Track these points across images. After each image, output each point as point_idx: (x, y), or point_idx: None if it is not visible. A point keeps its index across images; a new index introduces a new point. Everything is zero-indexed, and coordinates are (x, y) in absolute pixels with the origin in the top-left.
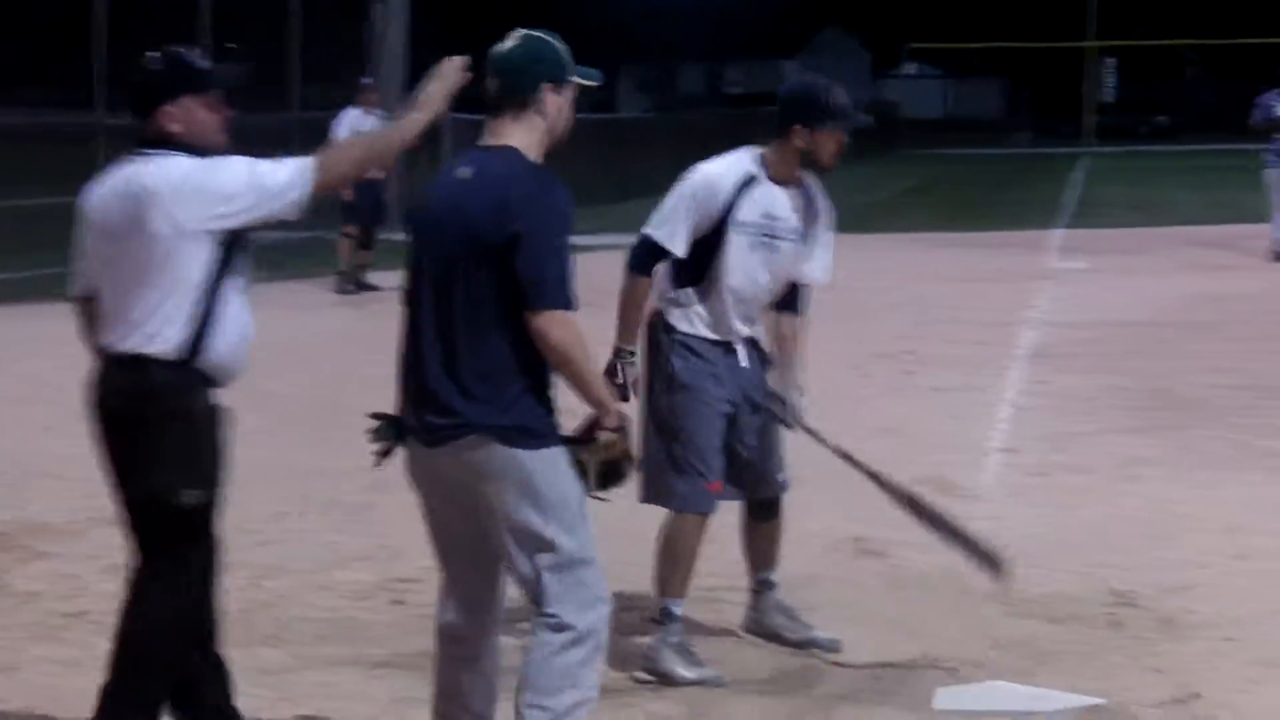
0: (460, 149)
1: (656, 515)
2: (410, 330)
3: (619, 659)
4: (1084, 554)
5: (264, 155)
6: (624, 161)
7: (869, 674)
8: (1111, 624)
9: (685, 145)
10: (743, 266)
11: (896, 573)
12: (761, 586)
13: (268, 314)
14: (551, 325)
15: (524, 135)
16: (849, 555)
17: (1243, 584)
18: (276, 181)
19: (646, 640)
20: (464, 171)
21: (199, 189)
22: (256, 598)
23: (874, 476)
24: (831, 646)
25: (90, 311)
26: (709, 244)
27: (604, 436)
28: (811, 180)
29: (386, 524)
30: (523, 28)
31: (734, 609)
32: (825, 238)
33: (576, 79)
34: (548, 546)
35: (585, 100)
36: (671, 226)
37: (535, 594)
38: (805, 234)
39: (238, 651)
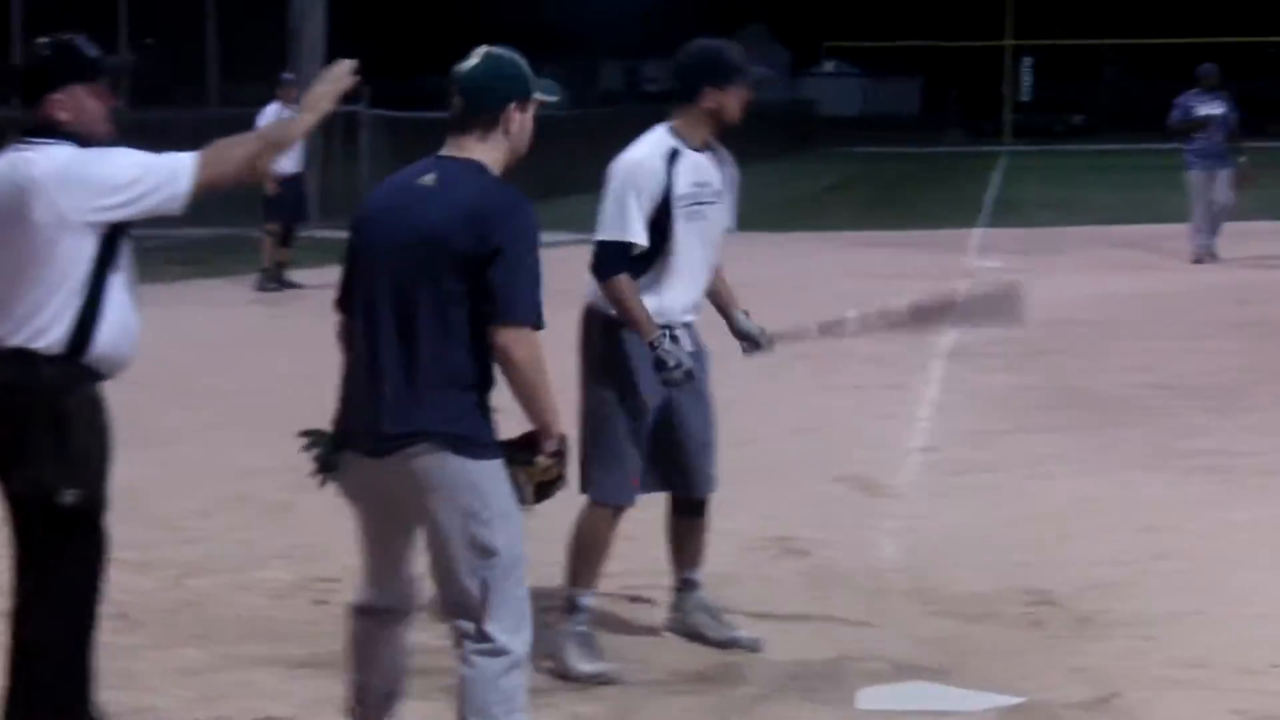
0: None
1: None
2: (358, 337)
3: (538, 657)
4: (1003, 553)
5: (180, 151)
6: (544, 159)
7: (790, 673)
8: (1030, 623)
9: (605, 142)
10: (682, 242)
11: (817, 572)
12: (685, 585)
13: (190, 312)
14: (519, 342)
15: (488, 152)
16: (770, 555)
17: (1161, 583)
18: (161, 175)
19: (552, 630)
20: (426, 179)
21: (83, 179)
22: (180, 596)
23: (865, 323)
24: (753, 646)
25: None
26: (653, 229)
27: (542, 460)
28: (713, 140)
29: (308, 523)
30: (444, 24)
31: (656, 608)
32: (733, 186)
33: (538, 96)
34: (491, 555)
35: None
36: (625, 220)
37: (474, 606)
38: (725, 192)
39: (160, 652)
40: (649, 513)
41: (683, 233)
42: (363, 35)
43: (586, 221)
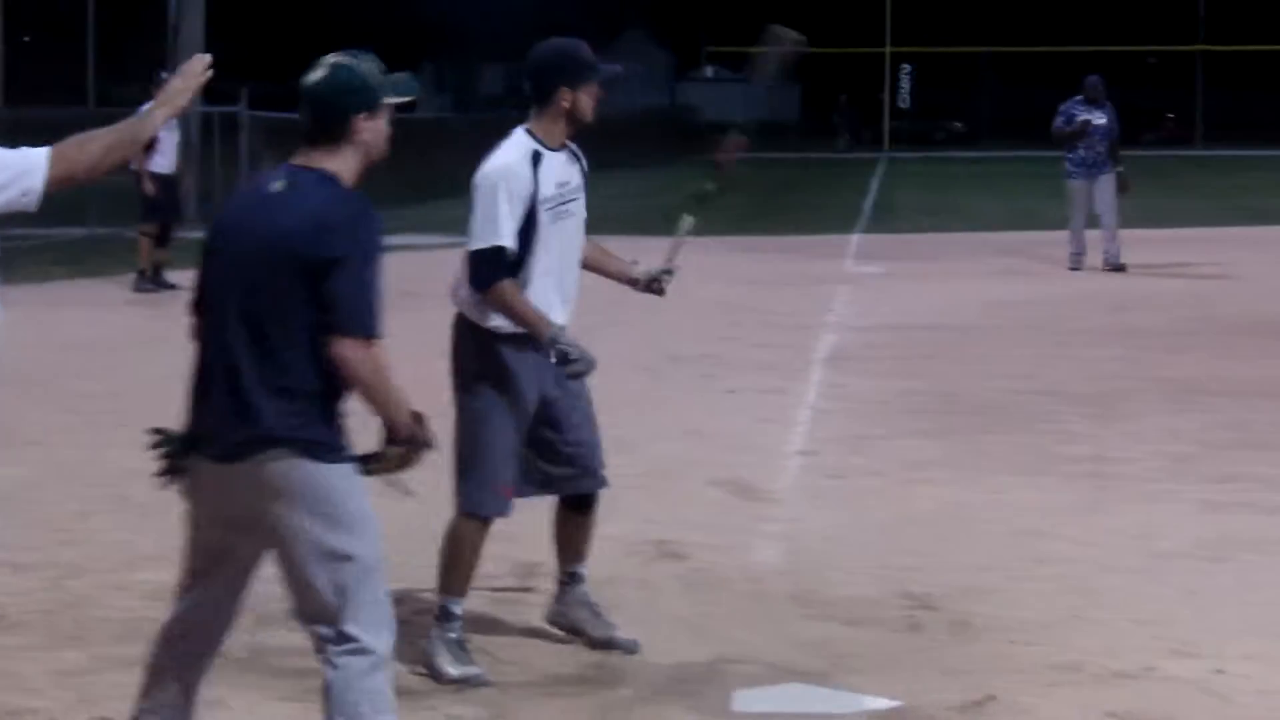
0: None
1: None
2: (206, 342)
3: (416, 660)
4: (881, 556)
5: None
6: (422, 162)
7: (669, 676)
8: (908, 626)
9: (484, 146)
10: (551, 243)
11: (695, 575)
12: (569, 579)
13: (67, 313)
14: (358, 353)
15: (339, 162)
16: (648, 558)
17: (1037, 587)
18: (13, 171)
19: (427, 636)
20: (276, 185)
21: None
22: (59, 598)
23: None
24: (630, 648)
25: None
26: (522, 233)
27: (391, 450)
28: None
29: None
30: (324, 25)
31: (535, 610)
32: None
33: (390, 100)
34: (346, 559)
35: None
36: (497, 226)
37: (332, 611)
38: (583, 188)
39: (39, 653)
40: (527, 515)
41: (550, 233)
42: (242, 36)
43: (464, 225)
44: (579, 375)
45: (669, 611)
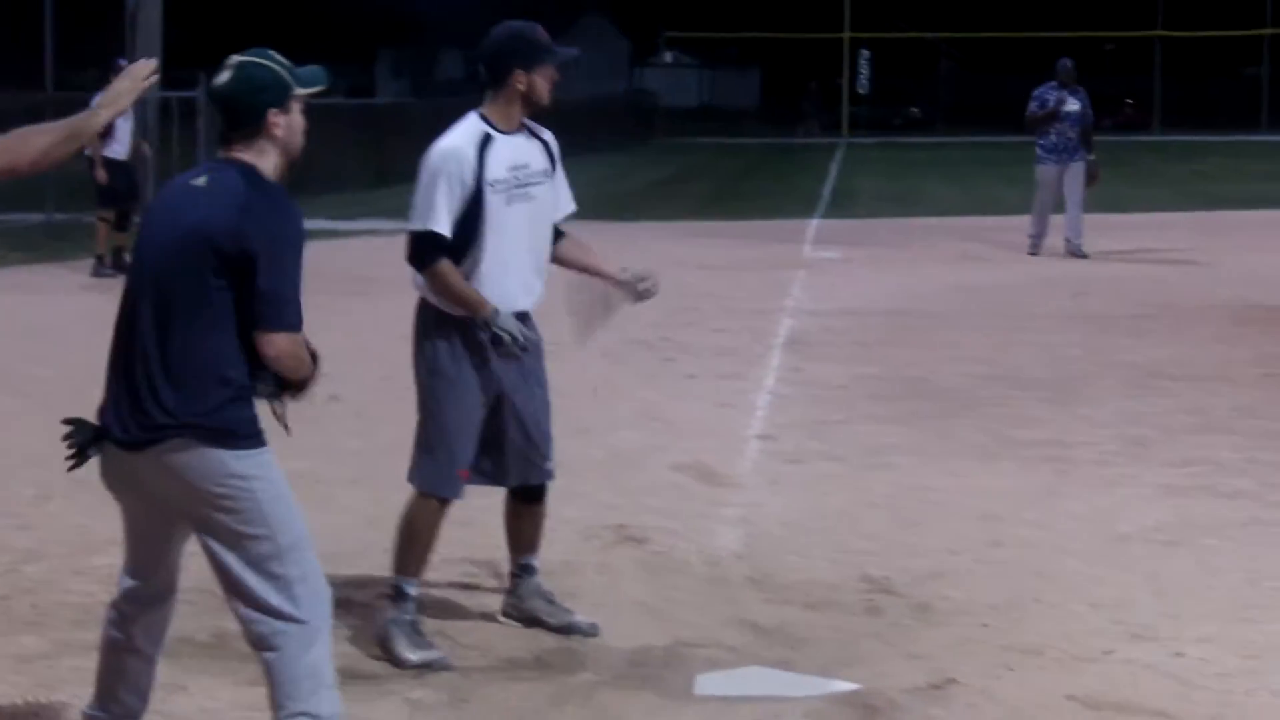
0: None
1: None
2: (124, 331)
3: (374, 644)
4: (840, 541)
5: None
6: (381, 147)
7: (629, 659)
8: (867, 610)
9: (442, 131)
10: (506, 226)
11: (655, 559)
12: (522, 571)
13: (25, 298)
14: (282, 344)
15: (257, 157)
16: (608, 542)
17: (996, 571)
18: None
19: (379, 618)
20: (199, 180)
21: None
22: (17, 583)
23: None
24: (590, 631)
25: None
26: (469, 216)
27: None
28: (530, 122)
29: None
30: (283, 10)
31: (494, 595)
32: (563, 174)
33: (300, 92)
34: (264, 541)
35: (342, 85)
36: (431, 210)
37: (260, 593)
38: (550, 172)
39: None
40: (485, 500)
41: (504, 216)
42: (200, 22)
43: None
44: (510, 358)
45: (628, 595)
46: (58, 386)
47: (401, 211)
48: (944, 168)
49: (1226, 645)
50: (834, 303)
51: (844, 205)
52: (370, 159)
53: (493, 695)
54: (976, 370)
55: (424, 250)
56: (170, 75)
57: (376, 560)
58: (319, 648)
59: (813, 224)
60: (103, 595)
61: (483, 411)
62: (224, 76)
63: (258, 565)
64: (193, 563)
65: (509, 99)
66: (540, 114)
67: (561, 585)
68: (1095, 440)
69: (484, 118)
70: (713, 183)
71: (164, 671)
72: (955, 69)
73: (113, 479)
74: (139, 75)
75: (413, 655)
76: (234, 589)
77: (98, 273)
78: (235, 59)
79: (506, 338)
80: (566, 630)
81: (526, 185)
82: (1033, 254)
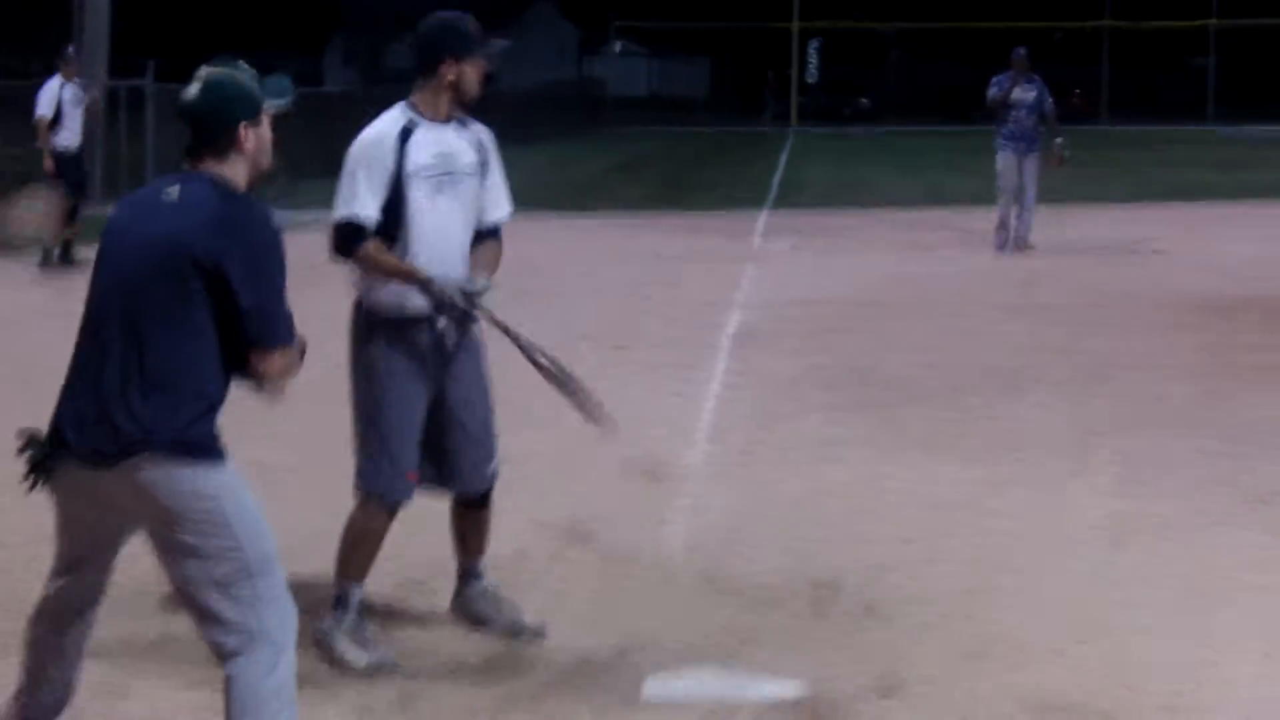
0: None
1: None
2: (85, 344)
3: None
4: (789, 535)
5: None
6: (332, 136)
7: (578, 657)
8: (816, 607)
9: None
10: (430, 215)
11: (604, 554)
12: (469, 573)
13: None
14: (277, 360)
15: (227, 170)
16: (557, 538)
17: (946, 566)
18: None
19: (322, 622)
20: (170, 192)
21: None
22: None
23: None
24: (537, 632)
25: None
26: (393, 205)
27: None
28: (463, 115)
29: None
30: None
31: (442, 596)
32: (497, 167)
33: (268, 108)
34: (230, 559)
35: (292, 75)
36: (354, 198)
37: (224, 613)
38: (481, 166)
39: None
40: (431, 502)
41: (428, 205)
42: (149, 8)
43: None
44: (458, 319)
45: (577, 592)
46: (6, 380)
47: None
48: (893, 158)
49: (1176, 639)
50: (784, 294)
51: (793, 196)
52: (320, 148)
53: (441, 697)
54: (926, 361)
55: (346, 238)
56: (119, 63)
57: (326, 554)
58: (284, 667)
59: (762, 215)
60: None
61: (423, 413)
62: (194, 90)
63: (226, 583)
64: (136, 566)
65: (437, 89)
66: (488, 102)
67: (509, 580)
68: (1045, 432)
69: (411, 105)
70: (662, 173)
71: (109, 674)
72: (904, 59)
73: (66, 492)
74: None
75: (360, 657)
76: (200, 606)
77: (45, 265)
78: (205, 72)
79: (447, 299)
80: (512, 632)
81: (452, 174)
82: (1001, 248)
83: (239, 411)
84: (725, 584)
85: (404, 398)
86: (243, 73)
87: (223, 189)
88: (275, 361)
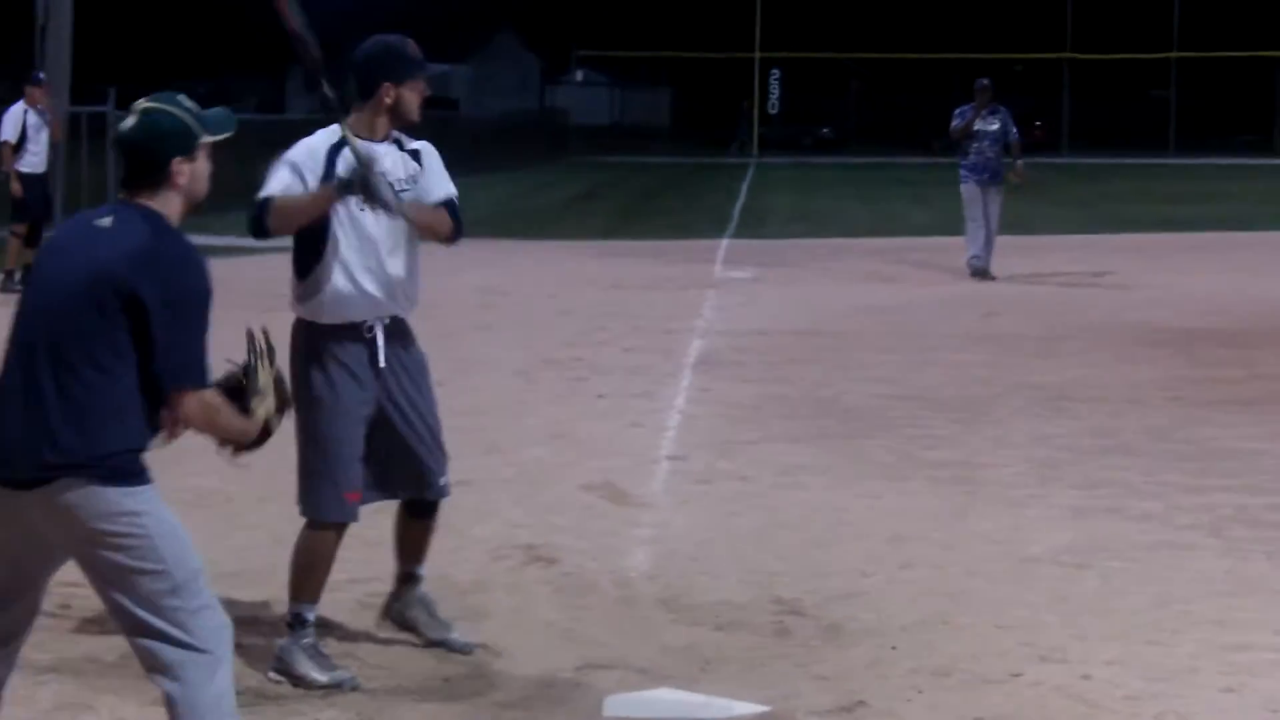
0: None
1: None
2: (14, 367)
3: (281, 669)
4: (750, 561)
5: None
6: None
7: (538, 680)
8: (777, 631)
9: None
10: (353, 229)
11: (565, 580)
12: (407, 579)
13: None
14: (192, 402)
15: (162, 205)
16: (518, 562)
17: (906, 592)
18: None
19: (279, 643)
20: (103, 221)
21: None
22: None
23: None
24: (465, 649)
25: None
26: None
27: (261, 411)
28: (399, 135)
29: None
30: (192, 26)
31: None
32: (437, 169)
33: (207, 139)
34: (157, 577)
35: (253, 102)
36: (271, 183)
37: (158, 630)
38: (412, 180)
39: None
40: (391, 519)
41: (348, 220)
42: (111, 34)
43: None
44: (384, 204)
45: (538, 616)
46: None
47: None
48: (853, 188)
49: (1134, 667)
50: (744, 322)
51: (754, 225)
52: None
53: (401, 715)
54: (886, 390)
55: (259, 214)
56: (80, 89)
57: (284, 579)
58: (221, 677)
59: (723, 243)
60: None
61: (364, 430)
62: (130, 124)
63: (155, 601)
64: None
65: (375, 110)
66: (451, 131)
67: (471, 605)
68: (1004, 461)
69: (347, 126)
70: (624, 201)
71: (71, 690)
72: (866, 89)
73: None
74: None
75: (321, 676)
76: (132, 626)
77: (6, 288)
78: (142, 105)
79: (356, 179)
80: (440, 644)
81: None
82: (974, 275)
83: (191, 440)
84: (686, 608)
85: (342, 418)
86: (180, 106)
87: (154, 222)
88: (189, 404)
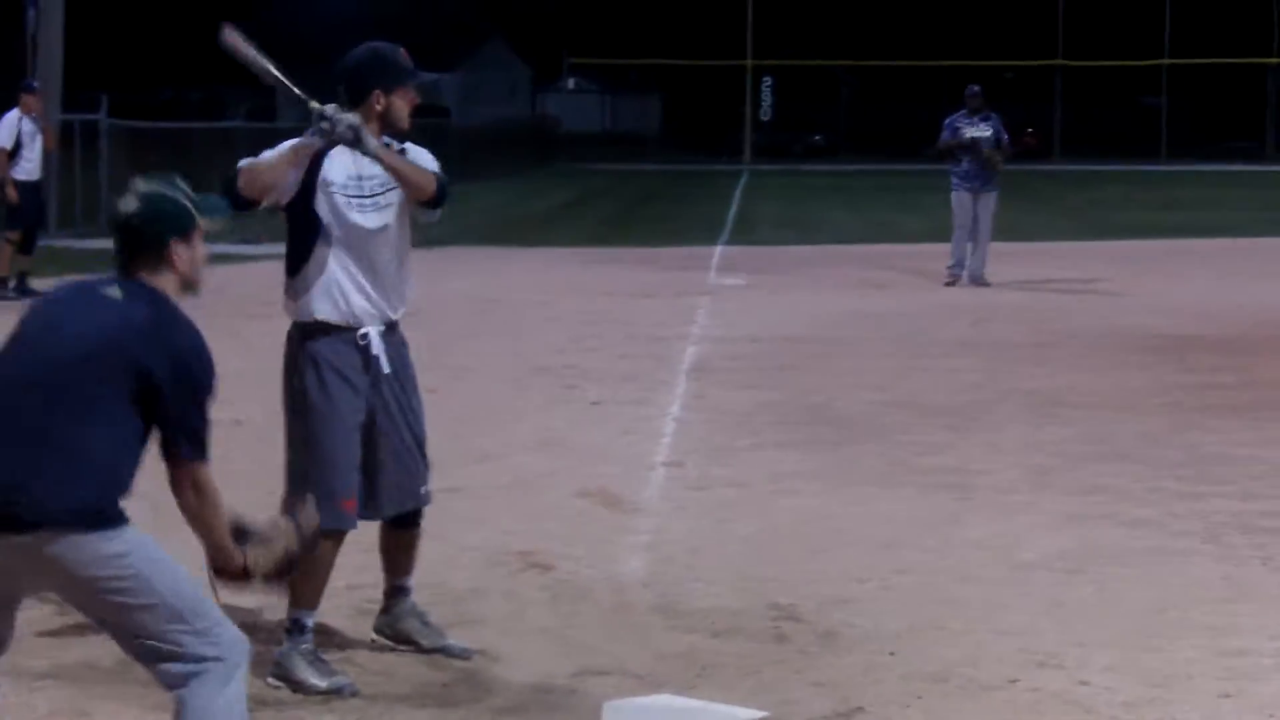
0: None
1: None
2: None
3: (279, 675)
4: (746, 568)
5: None
6: None
7: (535, 687)
8: (774, 637)
9: None
10: (351, 233)
11: (560, 586)
12: (396, 592)
13: None
14: (195, 476)
15: (162, 284)
16: (513, 569)
17: (901, 598)
18: None
19: (277, 649)
20: (111, 291)
21: None
22: None
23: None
24: (464, 655)
25: None
26: (303, 213)
27: (252, 554)
28: (388, 140)
29: None
30: (183, 35)
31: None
32: (424, 155)
33: (203, 224)
34: (163, 610)
35: (243, 110)
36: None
37: (164, 652)
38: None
39: None
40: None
41: (342, 218)
42: (102, 45)
43: None
44: (346, 139)
45: (534, 623)
46: None
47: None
48: (845, 195)
49: (1131, 673)
50: (737, 329)
51: (746, 232)
52: None
53: None
54: (879, 397)
55: (230, 179)
56: (72, 97)
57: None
58: (236, 684)
59: (716, 250)
60: None
61: (359, 437)
62: (130, 204)
63: (159, 630)
64: None
65: (365, 117)
66: (442, 138)
67: (466, 612)
68: (998, 468)
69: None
70: (615, 208)
71: (67, 697)
72: (857, 96)
73: None
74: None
75: (320, 682)
76: (142, 654)
77: (1, 296)
78: (142, 187)
79: (326, 120)
80: (438, 652)
81: (375, 196)
82: (949, 284)
83: None
84: (682, 614)
85: (340, 426)
86: (179, 190)
87: (164, 304)
88: (194, 472)
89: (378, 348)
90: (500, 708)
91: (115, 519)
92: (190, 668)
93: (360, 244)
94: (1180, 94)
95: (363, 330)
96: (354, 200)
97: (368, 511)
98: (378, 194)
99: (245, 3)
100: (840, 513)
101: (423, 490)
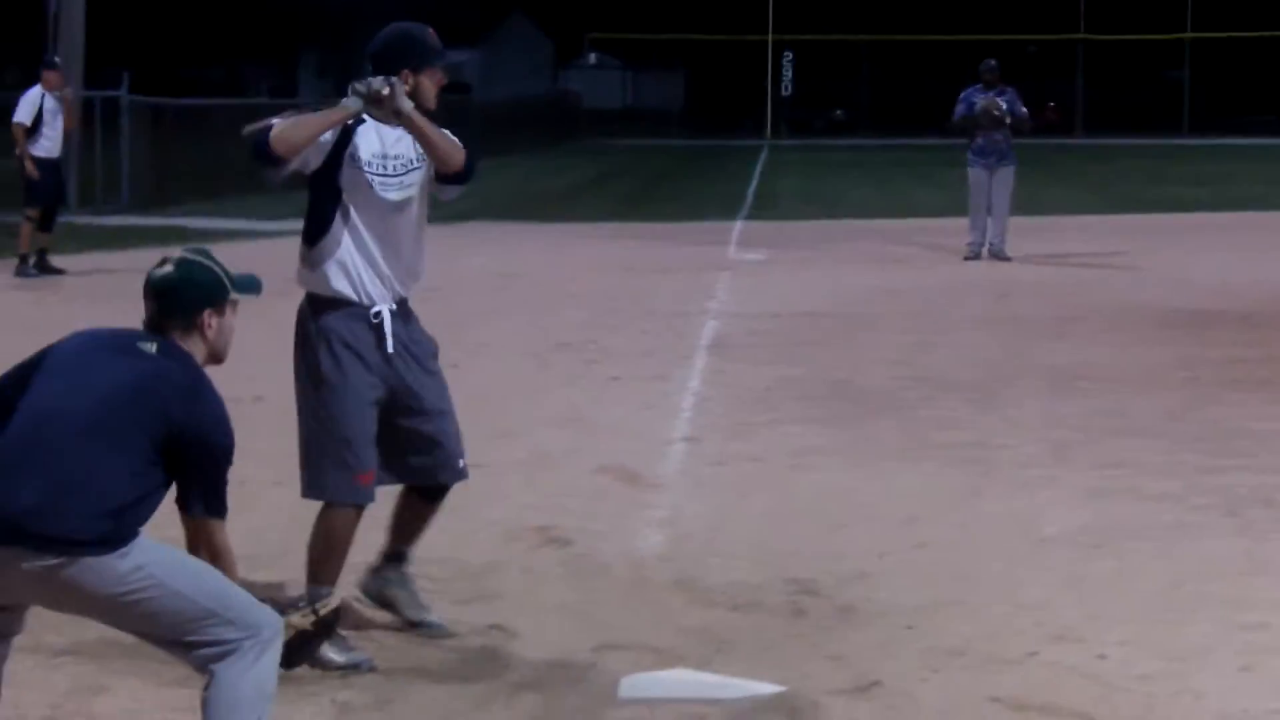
0: (137, 131)
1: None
2: (28, 433)
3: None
4: (764, 542)
5: None
6: None
7: (552, 662)
8: (792, 612)
9: None
10: (374, 205)
11: (578, 561)
12: (395, 556)
13: None
14: (210, 534)
15: (192, 349)
16: (532, 544)
17: (920, 572)
18: None
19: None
20: (147, 345)
21: None
22: None
23: None
24: (442, 631)
25: None
26: (328, 183)
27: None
28: None
29: None
30: (204, 12)
31: (423, 598)
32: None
33: (236, 297)
34: (192, 610)
35: (265, 86)
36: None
37: (203, 641)
38: (421, 156)
39: None
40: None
41: (366, 196)
42: (124, 21)
43: None
44: (382, 92)
45: (552, 598)
46: None
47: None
48: (866, 170)
49: (1149, 648)
50: (757, 305)
51: (767, 207)
52: None
53: (417, 696)
54: (899, 372)
55: (262, 136)
56: (93, 74)
57: (299, 561)
58: (268, 660)
59: (736, 226)
60: None
61: (374, 412)
62: (166, 269)
63: (194, 629)
64: None
65: None
66: (463, 115)
67: (485, 587)
68: (1018, 442)
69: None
70: (637, 184)
71: (87, 673)
72: (878, 71)
73: None
74: None
75: (338, 657)
76: (181, 651)
77: (22, 272)
78: (179, 255)
79: (364, 90)
80: (417, 625)
81: (400, 175)
82: (968, 258)
83: None
84: (700, 590)
85: (354, 399)
86: (214, 261)
87: (196, 370)
88: (207, 527)
89: (390, 326)
90: (518, 683)
91: (128, 537)
92: (225, 649)
93: (379, 221)
94: (1202, 68)
95: (376, 309)
96: (377, 178)
97: (398, 476)
98: (401, 174)
99: None
100: (859, 488)
101: (460, 464)
